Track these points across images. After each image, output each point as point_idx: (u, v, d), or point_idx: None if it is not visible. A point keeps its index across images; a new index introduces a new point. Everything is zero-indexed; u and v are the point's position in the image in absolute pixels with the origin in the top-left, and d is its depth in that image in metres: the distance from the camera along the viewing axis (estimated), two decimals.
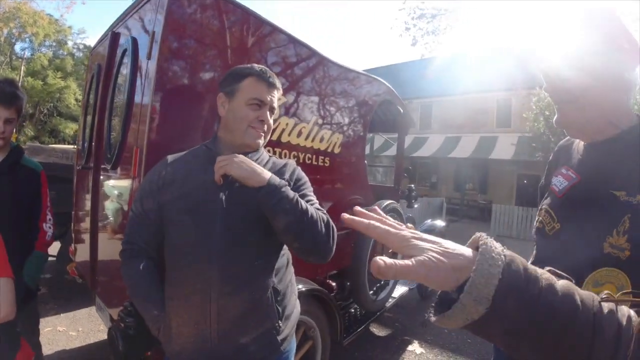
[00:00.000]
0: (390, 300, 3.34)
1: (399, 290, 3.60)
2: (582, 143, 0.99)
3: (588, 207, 0.89)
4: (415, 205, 4.37)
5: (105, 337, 3.12)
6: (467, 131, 17.35)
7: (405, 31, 13.55)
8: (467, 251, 0.48)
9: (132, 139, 1.64)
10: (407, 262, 0.46)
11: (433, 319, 0.47)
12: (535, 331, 0.44)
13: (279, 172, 1.22)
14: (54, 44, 30.66)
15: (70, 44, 32.02)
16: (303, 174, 1.30)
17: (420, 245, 0.48)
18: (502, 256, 0.45)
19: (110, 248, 1.99)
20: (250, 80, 1.17)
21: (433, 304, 0.50)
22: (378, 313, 3.18)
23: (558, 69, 0.89)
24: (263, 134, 1.21)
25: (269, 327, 1.16)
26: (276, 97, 1.23)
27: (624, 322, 0.44)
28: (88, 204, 2.23)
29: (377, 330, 3.80)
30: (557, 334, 0.44)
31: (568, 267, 0.86)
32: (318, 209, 1.16)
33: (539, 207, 1.05)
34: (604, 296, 0.49)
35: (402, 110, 3.52)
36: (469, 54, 16.41)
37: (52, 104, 28.15)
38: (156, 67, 1.46)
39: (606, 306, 0.46)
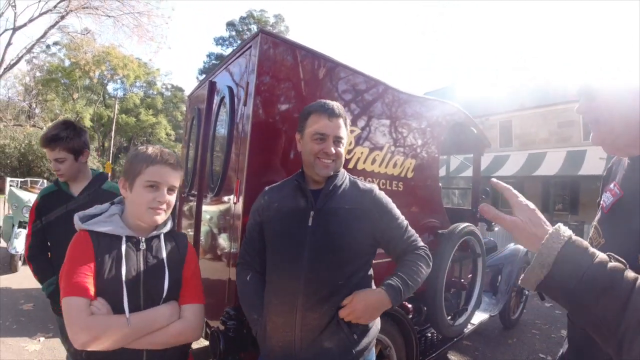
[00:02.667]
0: (469, 326, 3.23)
1: (479, 317, 3.46)
2: (627, 159, 0.98)
3: (628, 221, 0.89)
4: (496, 228, 4.19)
5: (195, 347, 3.49)
6: (552, 146, 15.98)
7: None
8: (550, 227, 0.71)
9: (232, 172, 1.94)
10: (506, 215, 0.77)
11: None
12: (581, 291, 0.63)
13: (362, 198, 1.36)
14: (144, 84, 34.40)
15: (159, 84, 35.80)
16: (384, 197, 1.41)
17: (523, 207, 0.77)
18: (565, 237, 0.68)
19: (209, 266, 2.29)
20: (313, 116, 1.35)
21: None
22: (456, 339, 3.10)
23: (585, 91, 0.92)
24: (332, 164, 1.34)
25: (345, 340, 1.28)
26: (342, 126, 1.35)
27: None
28: (190, 227, 2.59)
29: (456, 358, 3.67)
30: (596, 295, 0.62)
31: None
32: (413, 240, 1.39)
33: (592, 224, 1.06)
34: None
35: (475, 131, 3.49)
36: (548, 63, 15.30)
37: (145, 138, 31.50)
38: (252, 113, 1.74)
39: None
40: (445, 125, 2.97)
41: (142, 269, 1.20)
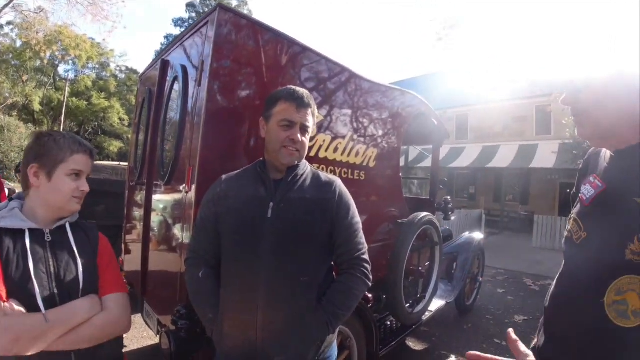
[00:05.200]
0: (427, 313, 3.30)
1: (436, 304, 3.55)
2: (609, 151, 0.99)
3: (612, 215, 0.89)
4: (452, 218, 4.31)
5: (148, 344, 3.34)
6: (506, 140, 16.80)
7: (438, 42, 13.40)
8: None
9: (184, 158, 1.80)
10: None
11: None
12: None
13: (322, 190, 1.29)
14: (97, 66, 32.64)
15: (112, 66, 34.03)
16: (345, 193, 1.34)
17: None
18: None
19: (160, 258, 2.15)
20: (281, 103, 1.28)
21: None
22: (414, 326, 3.16)
23: (572, 83, 0.91)
24: (297, 153, 1.29)
25: (309, 340, 1.22)
26: (309, 115, 1.30)
27: None
28: (139, 217, 2.42)
29: (414, 344, 3.76)
30: None
31: (592, 276, 0.88)
32: (358, 250, 1.30)
33: (569, 216, 1.05)
34: None
35: (436, 122, 3.53)
36: (504, 61, 15.99)
37: (96, 123, 29.96)
38: (206, 92, 1.61)
39: None
40: (407, 115, 2.97)
41: (50, 262, 1.11)
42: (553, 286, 1.05)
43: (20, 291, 1.04)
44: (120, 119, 31.33)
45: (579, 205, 1.03)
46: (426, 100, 3.27)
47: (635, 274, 0.81)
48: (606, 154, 1.00)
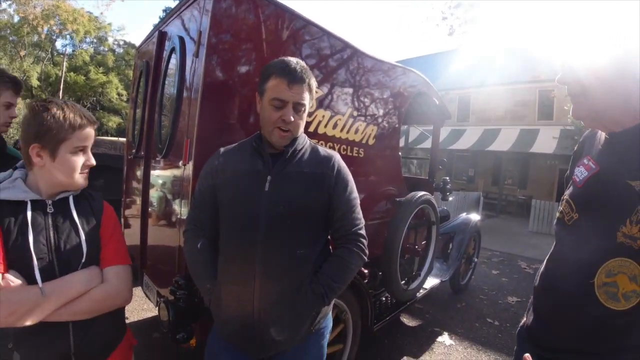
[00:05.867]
0: (421, 291, 3.36)
1: (431, 282, 3.61)
2: (604, 134, 0.98)
3: (605, 197, 0.89)
4: (450, 198, 4.33)
5: (148, 315, 3.40)
6: (507, 124, 16.69)
7: (442, 21, 13.09)
8: None
9: (182, 132, 1.79)
10: None
11: None
12: None
13: (321, 165, 1.28)
14: (95, 40, 31.94)
15: (110, 40, 33.28)
16: (344, 167, 1.33)
17: None
18: None
19: (159, 232, 2.16)
20: (273, 79, 1.21)
21: None
22: (409, 303, 3.22)
23: (571, 63, 0.90)
24: (289, 133, 1.24)
25: (305, 313, 1.24)
26: (304, 92, 1.23)
27: None
28: (138, 191, 2.42)
29: (408, 321, 3.85)
30: None
31: (583, 258, 0.88)
32: (355, 225, 1.30)
33: (562, 198, 1.05)
34: None
35: (437, 102, 3.50)
36: (509, 44, 15.72)
37: (94, 98, 29.62)
38: (204, 65, 1.59)
39: None
40: (409, 94, 2.94)
41: (52, 234, 1.10)
42: (543, 266, 1.06)
43: (19, 263, 1.04)
44: (118, 94, 30.94)
45: (572, 187, 1.03)
46: (429, 80, 3.24)
47: (625, 257, 0.82)
48: (601, 136, 1.00)
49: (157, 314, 1.72)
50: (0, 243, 1.02)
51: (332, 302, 1.35)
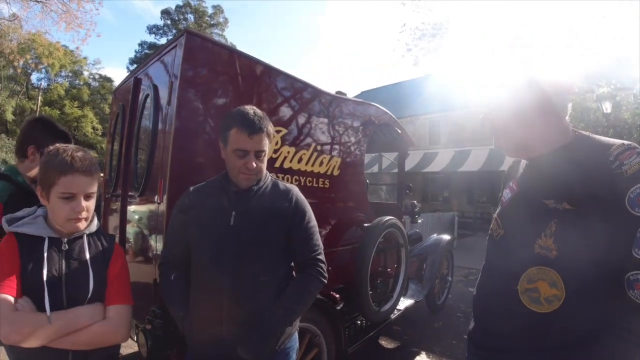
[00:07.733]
0: (395, 312, 3.47)
1: (405, 303, 3.73)
2: (526, 160, 1.15)
3: (524, 214, 1.05)
4: (419, 220, 4.53)
5: (137, 349, 3.35)
6: (477, 144, 17.41)
7: (407, 52, 13.78)
8: None
9: (156, 172, 1.94)
10: None
11: None
12: None
13: (280, 198, 1.44)
14: (70, 74, 31.71)
15: (86, 74, 33.13)
16: (301, 199, 1.49)
17: None
18: None
19: (136, 267, 2.25)
20: (234, 131, 1.36)
21: None
22: (383, 324, 3.32)
23: (487, 106, 1.10)
24: (253, 176, 1.40)
25: (270, 333, 1.36)
26: (263, 140, 1.38)
27: None
28: (115, 228, 2.51)
29: (386, 342, 3.92)
30: None
31: (508, 267, 1.05)
32: (314, 251, 1.44)
33: (492, 217, 1.22)
34: None
35: (400, 132, 3.76)
36: (473, 68, 16.53)
37: (69, 133, 29.14)
38: (175, 112, 1.76)
39: None
40: (370, 126, 3.17)
41: (63, 270, 1.21)
42: (479, 277, 1.22)
43: (32, 293, 1.15)
44: (93, 128, 30.61)
45: (500, 207, 1.21)
46: (389, 112, 3.49)
47: (543, 265, 0.96)
48: (523, 161, 1.18)
49: (136, 341, 1.81)
50: (17, 272, 1.14)
51: (297, 323, 1.49)
